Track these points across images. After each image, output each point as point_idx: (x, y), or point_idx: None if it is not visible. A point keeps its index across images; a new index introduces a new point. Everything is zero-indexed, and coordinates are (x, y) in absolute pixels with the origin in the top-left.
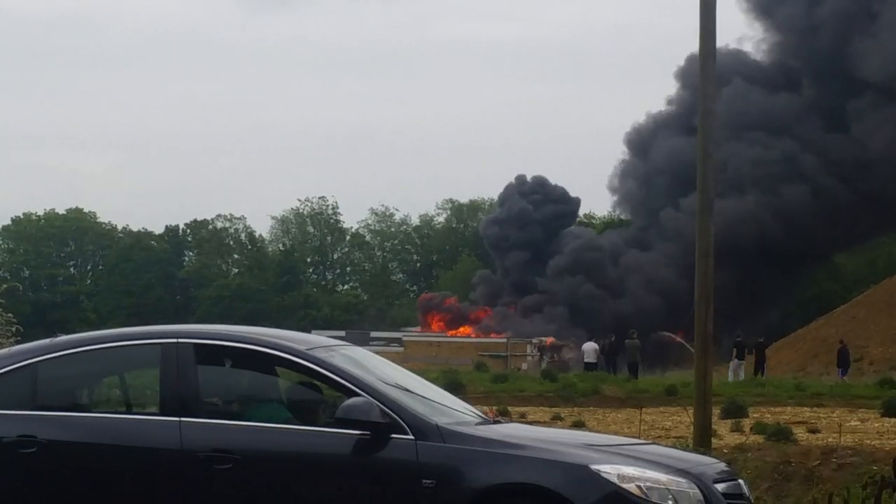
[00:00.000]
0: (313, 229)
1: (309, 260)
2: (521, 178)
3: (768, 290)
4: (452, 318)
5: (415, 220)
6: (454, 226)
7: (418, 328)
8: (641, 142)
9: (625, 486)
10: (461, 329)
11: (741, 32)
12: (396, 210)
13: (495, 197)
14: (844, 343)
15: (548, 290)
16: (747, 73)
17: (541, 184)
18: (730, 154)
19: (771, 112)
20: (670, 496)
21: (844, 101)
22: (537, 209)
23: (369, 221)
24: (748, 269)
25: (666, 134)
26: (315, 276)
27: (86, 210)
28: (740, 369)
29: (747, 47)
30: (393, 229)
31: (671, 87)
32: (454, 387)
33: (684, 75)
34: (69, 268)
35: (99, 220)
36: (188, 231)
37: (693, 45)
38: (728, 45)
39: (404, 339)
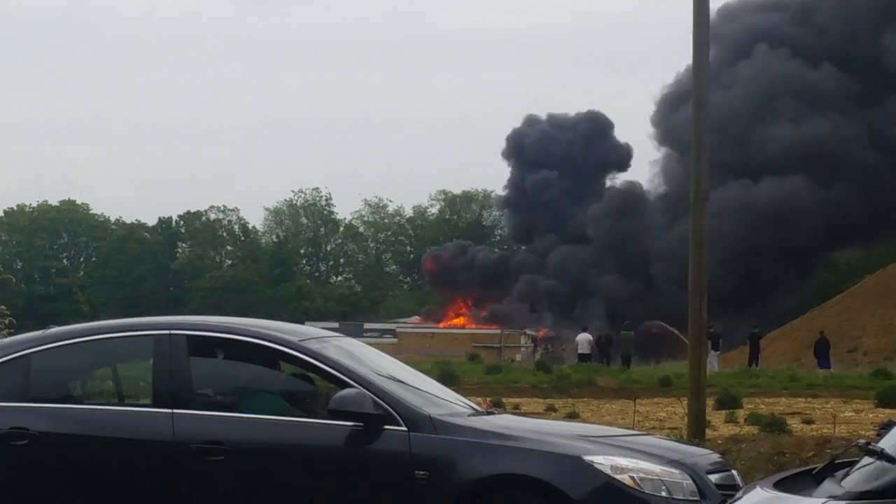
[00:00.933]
0: (307, 220)
1: (302, 251)
2: (533, 120)
3: (784, 279)
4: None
5: (408, 212)
6: (447, 217)
7: (415, 318)
8: (664, 129)
9: (618, 476)
10: (455, 320)
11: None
12: (390, 201)
13: (488, 188)
14: (824, 334)
15: (588, 285)
16: (779, 39)
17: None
18: (763, 129)
19: (805, 86)
20: (663, 487)
21: (882, 95)
22: (564, 195)
23: (363, 212)
24: (780, 257)
25: (679, 115)
26: (308, 268)
27: (79, 202)
28: (714, 360)
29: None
30: (386, 220)
31: (668, 78)
32: (448, 378)
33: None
34: (62, 260)
35: (92, 211)
36: (181, 222)
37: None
38: None
39: (398, 330)
